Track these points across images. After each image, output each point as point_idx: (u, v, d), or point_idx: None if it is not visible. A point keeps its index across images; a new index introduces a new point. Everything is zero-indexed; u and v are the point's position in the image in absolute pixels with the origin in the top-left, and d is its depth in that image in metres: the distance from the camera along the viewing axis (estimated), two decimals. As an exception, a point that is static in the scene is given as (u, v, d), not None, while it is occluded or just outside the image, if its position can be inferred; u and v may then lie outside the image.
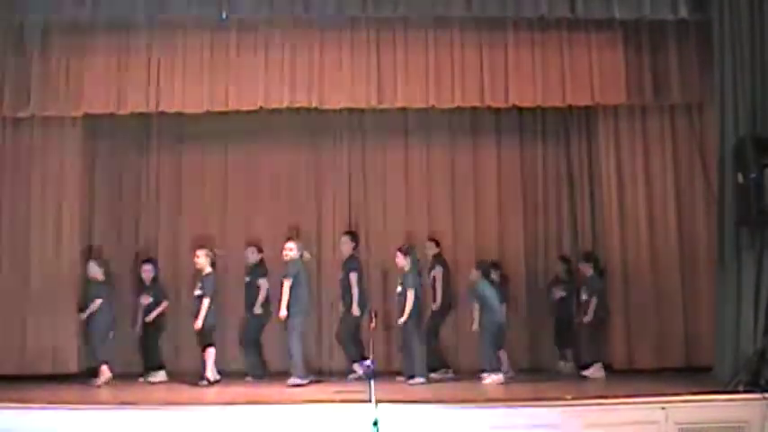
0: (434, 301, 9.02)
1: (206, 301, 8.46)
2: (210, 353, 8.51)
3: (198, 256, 8.69)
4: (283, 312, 8.33)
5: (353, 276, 8.89)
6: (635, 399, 6.47)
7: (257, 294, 8.97)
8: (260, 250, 9.22)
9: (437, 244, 9.38)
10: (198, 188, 10.21)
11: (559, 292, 9.36)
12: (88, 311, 8.69)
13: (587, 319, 8.81)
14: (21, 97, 8.30)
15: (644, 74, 8.34)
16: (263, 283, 8.98)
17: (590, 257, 9.14)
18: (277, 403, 6.52)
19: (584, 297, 8.95)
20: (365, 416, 5.02)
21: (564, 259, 9.60)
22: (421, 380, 8.34)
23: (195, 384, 8.30)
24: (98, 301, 8.69)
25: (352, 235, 9.32)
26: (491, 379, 8.31)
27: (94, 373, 8.53)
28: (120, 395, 7.27)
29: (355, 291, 8.84)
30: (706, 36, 7.90)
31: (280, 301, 8.34)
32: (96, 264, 8.92)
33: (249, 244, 9.34)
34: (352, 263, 9.05)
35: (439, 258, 9.25)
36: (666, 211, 9.03)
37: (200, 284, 8.60)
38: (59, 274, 8.80)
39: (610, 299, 8.99)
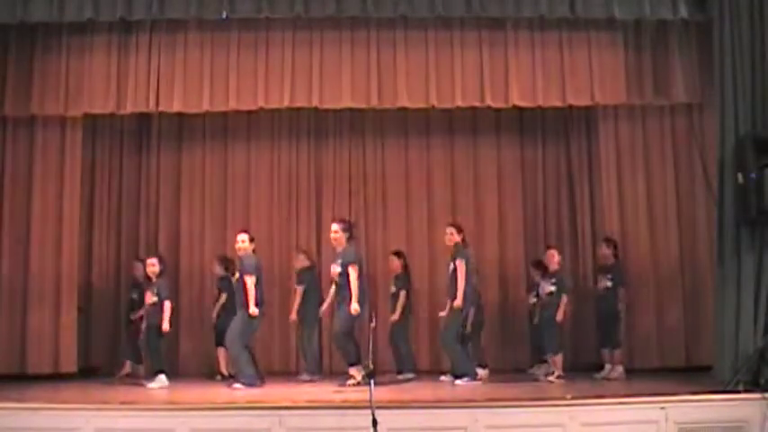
0: (455, 297, 7.98)
1: (223, 296, 8.99)
2: (220, 351, 8.88)
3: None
4: (293, 316, 9.00)
5: (352, 270, 8.05)
6: (634, 398, 6.46)
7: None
8: (251, 240, 8.33)
9: (459, 230, 8.40)
10: (198, 188, 10.23)
11: (605, 281, 8.54)
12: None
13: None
14: (21, 97, 8.30)
15: (644, 74, 8.32)
16: (248, 280, 8.05)
17: (539, 265, 8.97)
18: (277, 403, 6.50)
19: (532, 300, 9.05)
20: (364, 416, 5.02)
21: (609, 241, 8.71)
22: (410, 375, 8.58)
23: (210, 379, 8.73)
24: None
25: (344, 223, 8.46)
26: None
27: (92, 372, 8.60)
28: (121, 395, 7.26)
29: (354, 286, 7.98)
30: (706, 36, 7.89)
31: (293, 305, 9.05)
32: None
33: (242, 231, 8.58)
34: (349, 255, 8.18)
35: (461, 248, 8.23)
36: (666, 210, 9.03)
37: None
38: (59, 274, 8.80)
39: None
